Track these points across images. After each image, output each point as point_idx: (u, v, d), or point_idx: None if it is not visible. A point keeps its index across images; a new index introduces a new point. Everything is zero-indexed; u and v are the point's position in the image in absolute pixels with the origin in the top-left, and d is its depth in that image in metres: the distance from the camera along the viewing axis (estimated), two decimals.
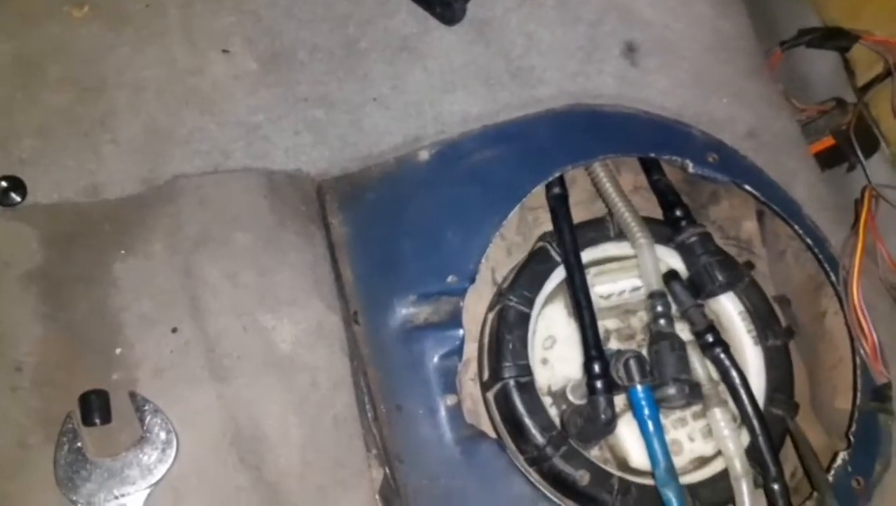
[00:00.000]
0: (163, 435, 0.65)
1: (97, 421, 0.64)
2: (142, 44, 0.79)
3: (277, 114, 0.79)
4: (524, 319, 0.74)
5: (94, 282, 0.70)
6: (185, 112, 0.78)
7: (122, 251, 0.71)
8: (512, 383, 0.71)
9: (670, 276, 0.77)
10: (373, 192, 0.79)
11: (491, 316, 0.76)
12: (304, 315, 0.70)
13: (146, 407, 0.65)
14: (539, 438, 0.69)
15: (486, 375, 0.75)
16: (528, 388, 0.71)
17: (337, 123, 0.80)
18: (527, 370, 0.72)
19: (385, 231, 0.77)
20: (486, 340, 0.76)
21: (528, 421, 0.70)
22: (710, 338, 0.73)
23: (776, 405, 0.76)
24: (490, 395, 0.74)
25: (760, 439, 0.70)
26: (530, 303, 0.74)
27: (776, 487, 0.69)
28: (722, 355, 0.73)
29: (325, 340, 0.70)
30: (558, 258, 0.75)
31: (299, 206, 0.76)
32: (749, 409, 0.71)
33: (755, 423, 0.71)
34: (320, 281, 0.73)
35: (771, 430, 0.72)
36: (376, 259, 0.77)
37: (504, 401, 0.71)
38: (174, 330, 0.69)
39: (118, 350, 0.68)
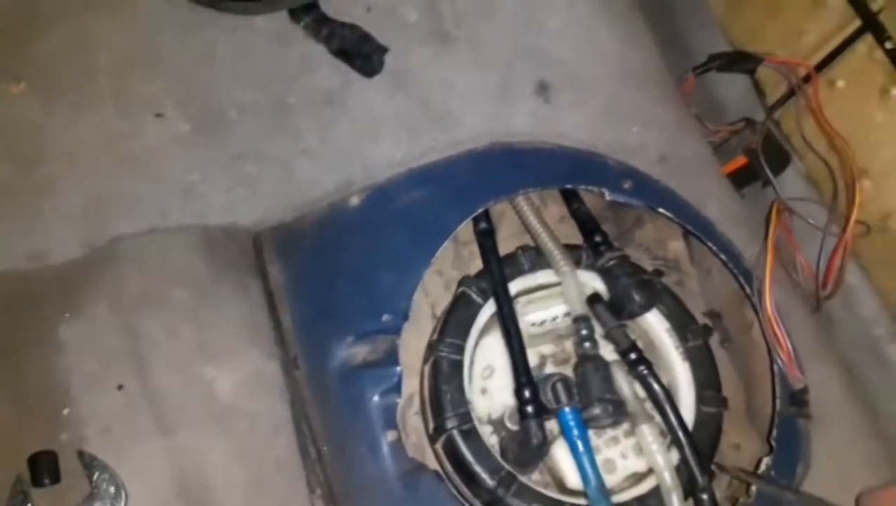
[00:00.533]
0: (111, 490, 0.67)
1: (46, 482, 0.67)
2: (77, 114, 0.83)
3: (212, 172, 0.83)
4: (457, 366, 0.76)
5: (40, 346, 0.73)
6: (122, 176, 0.82)
7: (67, 314, 0.75)
8: (456, 432, 0.73)
9: (593, 299, 0.81)
10: (308, 238, 0.83)
11: (426, 369, 0.79)
12: (243, 365, 0.74)
13: (94, 463, 0.68)
14: (489, 481, 0.72)
15: (430, 428, 0.77)
16: (471, 434, 0.74)
17: (270, 177, 0.84)
18: (468, 418, 0.74)
19: (321, 276, 0.81)
20: (425, 393, 0.78)
21: (476, 467, 0.72)
22: (632, 356, 0.77)
23: (707, 403, 0.79)
24: (438, 446, 0.76)
25: (686, 450, 0.74)
26: (461, 350, 0.77)
27: (704, 497, 0.72)
28: (645, 372, 0.76)
29: (265, 387, 0.74)
30: (480, 300, 0.79)
31: (236, 258, 0.80)
32: (673, 421, 0.75)
33: (680, 434, 0.74)
34: (258, 330, 0.77)
35: (706, 429, 0.77)
36: (314, 304, 0.81)
37: (451, 450, 0.74)
38: (120, 387, 0.72)
39: (66, 411, 0.71)
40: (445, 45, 0.88)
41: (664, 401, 0.76)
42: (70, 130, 0.82)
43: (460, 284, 0.81)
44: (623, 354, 0.78)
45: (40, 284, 0.76)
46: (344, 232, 0.83)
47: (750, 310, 0.86)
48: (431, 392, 0.77)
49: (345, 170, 0.84)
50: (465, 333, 0.78)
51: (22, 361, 0.73)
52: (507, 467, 0.73)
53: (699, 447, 0.75)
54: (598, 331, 0.81)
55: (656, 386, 0.76)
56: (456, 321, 0.79)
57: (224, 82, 0.86)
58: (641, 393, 0.78)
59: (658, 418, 0.77)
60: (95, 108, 0.83)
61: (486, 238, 0.83)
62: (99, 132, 0.83)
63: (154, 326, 0.75)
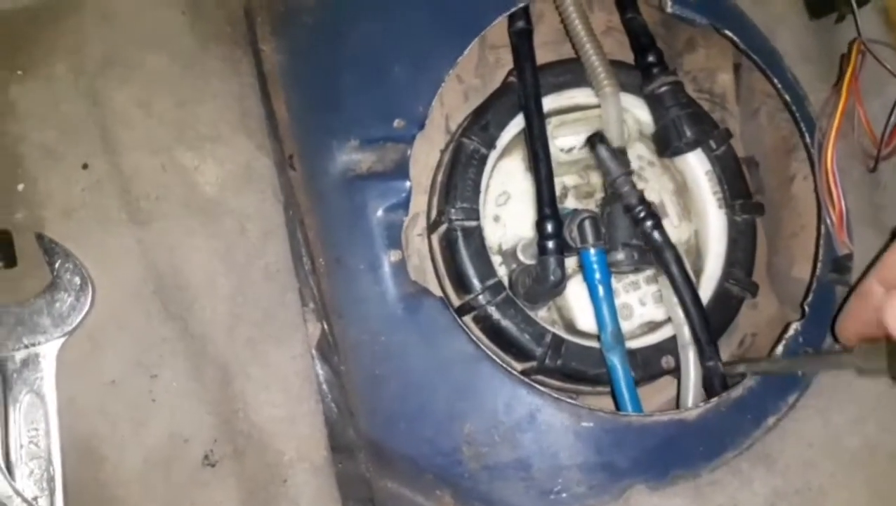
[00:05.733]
0: (76, 281, 0.63)
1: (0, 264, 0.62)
2: None
3: None
4: (481, 159, 0.73)
5: None
6: None
7: (19, 72, 0.67)
8: (457, 226, 0.71)
9: (597, 139, 0.74)
10: (310, 14, 0.74)
11: (446, 154, 0.75)
12: (230, 155, 0.68)
13: (56, 250, 0.63)
14: (476, 284, 0.70)
15: (433, 216, 0.74)
16: (473, 233, 0.71)
17: None
18: (474, 214, 0.72)
19: (325, 62, 0.73)
20: (438, 178, 0.75)
21: (468, 267, 0.71)
22: (640, 211, 0.72)
23: (732, 282, 0.77)
24: (435, 237, 0.74)
25: (694, 318, 0.71)
26: (490, 143, 0.73)
27: (711, 364, 0.71)
28: (655, 233, 0.71)
29: (255, 185, 0.68)
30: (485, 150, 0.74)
31: (224, 27, 0.71)
32: (685, 291, 0.71)
33: (689, 303, 0.71)
34: (249, 116, 0.70)
35: (723, 304, 0.76)
36: (315, 95, 0.73)
37: (447, 245, 0.72)
38: (84, 166, 0.66)
39: (20, 186, 0.65)
40: None
41: (672, 262, 0.72)
42: None
43: (510, 73, 0.74)
44: (628, 207, 0.72)
45: None
46: (354, 11, 0.74)
47: (796, 161, 0.82)
48: (444, 178, 0.73)
49: None
50: (500, 127, 0.74)
51: None
52: (498, 277, 0.72)
53: (709, 318, 0.73)
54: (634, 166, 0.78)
55: (668, 251, 0.72)
56: (495, 110, 0.74)
57: None
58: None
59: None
60: None
61: (523, 40, 0.75)
62: None
63: (123, 95, 0.67)
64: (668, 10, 0.77)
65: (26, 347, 0.61)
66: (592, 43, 0.75)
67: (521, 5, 0.73)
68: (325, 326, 0.70)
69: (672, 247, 0.72)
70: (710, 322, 0.74)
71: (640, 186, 0.79)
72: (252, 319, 0.66)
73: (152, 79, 0.68)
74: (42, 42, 0.67)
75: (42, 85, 0.67)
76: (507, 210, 0.77)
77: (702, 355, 0.72)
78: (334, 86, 0.73)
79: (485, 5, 0.73)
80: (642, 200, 0.73)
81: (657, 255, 0.72)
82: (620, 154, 0.75)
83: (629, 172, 0.74)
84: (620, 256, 0.72)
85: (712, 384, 0.72)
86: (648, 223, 0.72)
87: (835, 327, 0.68)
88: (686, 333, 0.72)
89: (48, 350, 0.62)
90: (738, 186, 0.80)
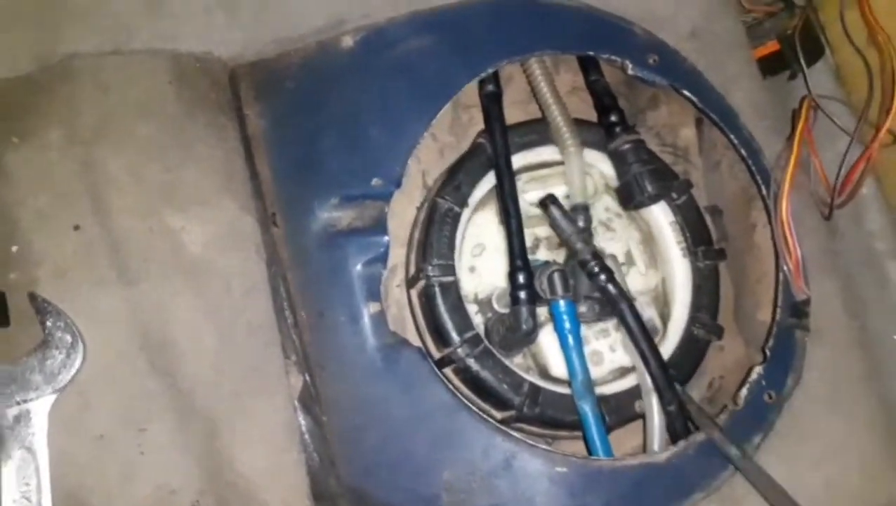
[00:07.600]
0: (67, 339, 0.65)
1: None
2: None
3: None
4: (455, 218, 0.75)
5: None
6: None
7: (15, 139, 0.69)
8: (435, 282, 0.73)
9: (548, 200, 0.76)
10: (292, 80, 0.77)
11: (422, 212, 0.78)
12: (215, 216, 0.70)
13: (48, 309, 0.65)
14: (455, 337, 0.72)
15: (411, 272, 0.77)
16: (450, 288, 0.73)
17: (252, 2, 0.76)
18: (451, 270, 0.74)
19: (305, 125, 0.76)
20: (415, 236, 0.77)
21: (446, 321, 0.73)
22: (594, 266, 0.74)
23: (698, 326, 0.80)
24: (413, 292, 0.76)
25: (652, 365, 0.73)
26: (463, 201, 0.76)
27: (671, 409, 0.73)
28: (610, 286, 0.73)
29: (239, 244, 0.70)
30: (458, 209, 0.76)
31: (209, 94, 0.74)
32: (641, 339, 0.73)
33: (646, 351, 0.73)
34: (233, 179, 0.72)
35: (690, 348, 0.79)
36: (296, 156, 0.76)
37: (426, 300, 0.74)
38: (76, 228, 0.68)
39: (14, 248, 0.66)
40: None
41: (628, 314, 0.74)
42: None
43: (479, 135, 0.77)
44: (583, 263, 0.74)
45: None
46: (333, 77, 0.77)
47: (756, 210, 0.85)
48: (421, 236, 0.76)
49: (338, 3, 0.77)
50: (471, 186, 0.77)
51: None
52: (475, 330, 0.74)
53: (666, 364, 0.75)
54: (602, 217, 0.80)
55: (623, 303, 0.73)
56: (466, 171, 0.77)
57: None
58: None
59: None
60: None
61: (493, 103, 0.78)
62: None
63: (115, 162, 0.69)
64: (630, 72, 0.80)
65: (18, 404, 0.63)
66: (558, 105, 0.79)
67: (491, 71, 0.76)
68: (308, 378, 0.72)
69: (626, 298, 0.74)
70: (681, 366, 0.77)
71: (608, 236, 0.83)
72: (236, 373, 0.67)
73: (142, 145, 0.70)
74: (37, 110, 0.70)
75: (37, 152, 0.69)
76: (482, 261, 0.80)
77: (662, 401, 0.74)
78: (315, 147, 0.76)
79: (455, 71, 0.76)
80: (595, 255, 0.75)
81: (612, 306, 0.74)
82: (583, 209, 0.78)
83: (582, 230, 0.76)
84: (583, 308, 0.75)
85: (675, 429, 0.74)
86: (602, 277, 0.73)
87: None
88: (648, 379, 0.74)
89: (40, 407, 0.63)
90: (699, 233, 0.83)
